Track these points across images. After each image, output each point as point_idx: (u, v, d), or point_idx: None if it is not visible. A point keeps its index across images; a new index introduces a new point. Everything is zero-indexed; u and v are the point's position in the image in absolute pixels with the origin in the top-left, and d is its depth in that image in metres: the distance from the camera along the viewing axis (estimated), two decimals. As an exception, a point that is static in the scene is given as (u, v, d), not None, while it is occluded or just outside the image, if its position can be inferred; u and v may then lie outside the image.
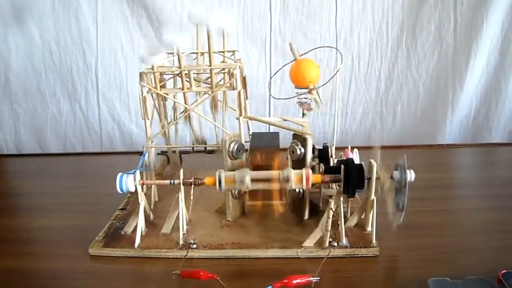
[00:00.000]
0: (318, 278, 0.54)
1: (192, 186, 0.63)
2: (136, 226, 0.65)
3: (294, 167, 0.61)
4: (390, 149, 1.17)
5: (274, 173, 0.61)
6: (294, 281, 0.53)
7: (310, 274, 0.54)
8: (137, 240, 0.64)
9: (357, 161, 0.73)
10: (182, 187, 0.64)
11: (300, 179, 0.61)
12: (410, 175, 0.62)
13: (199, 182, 0.63)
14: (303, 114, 0.74)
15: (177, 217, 0.65)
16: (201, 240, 0.64)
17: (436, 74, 1.16)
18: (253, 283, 0.56)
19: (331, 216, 0.60)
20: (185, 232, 0.66)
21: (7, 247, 0.67)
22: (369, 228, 0.64)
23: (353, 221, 0.66)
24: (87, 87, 1.20)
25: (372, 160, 0.62)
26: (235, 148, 0.65)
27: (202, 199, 0.74)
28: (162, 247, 0.63)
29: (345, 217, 0.67)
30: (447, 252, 0.62)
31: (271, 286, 0.52)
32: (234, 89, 0.68)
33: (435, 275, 0.54)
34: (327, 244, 0.61)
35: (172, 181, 0.64)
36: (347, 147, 0.76)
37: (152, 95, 0.72)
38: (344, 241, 0.62)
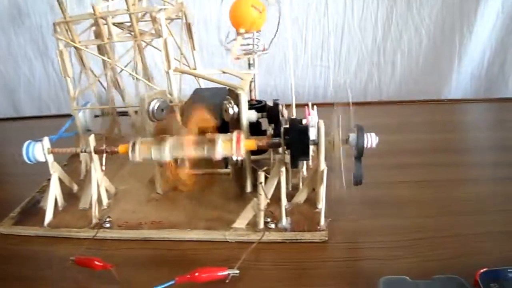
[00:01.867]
0: (238, 272, 0.43)
1: (104, 155, 0.54)
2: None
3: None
4: (388, 105, 1.05)
5: (196, 139, 0.50)
6: (204, 275, 0.43)
7: (225, 267, 0.43)
8: (47, 218, 0.55)
9: (314, 121, 0.61)
10: (94, 156, 0.54)
11: (230, 146, 0.49)
12: (370, 140, 0.49)
13: (112, 150, 0.53)
14: (249, 65, 0.61)
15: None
16: (119, 217, 0.54)
17: (441, 18, 0.98)
18: (162, 274, 0.45)
19: (262, 192, 0.48)
20: (106, 207, 0.57)
21: None
22: (320, 206, 0.53)
23: (301, 196, 0.54)
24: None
25: (320, 121, 0.50)
26: (156, 108, 0.54)
27: (141, 166, 0.64)
28: (74, 225, 0.54)
29: (293, 190, 0.56)
30: (422, 238, 0.49)
31: (173, 281, 0.42)
32: (160, 37, 0.56)
33: (397, 270, 0.42)
34: (261, 225, 0.50)
35: (83, 149, 0.54)
36: (307, 104, 0.63)
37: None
38: (284, 222, 0.50)
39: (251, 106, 0.61)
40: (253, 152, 0.58)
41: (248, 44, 0.59)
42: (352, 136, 0.49)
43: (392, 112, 0.97)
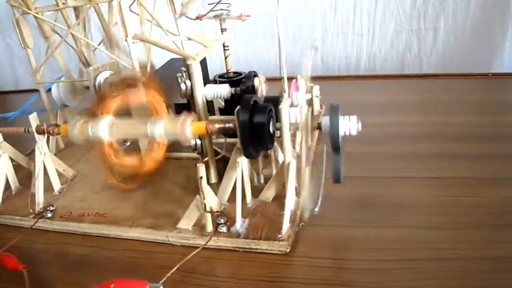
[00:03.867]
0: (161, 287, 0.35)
1: (46, 135, 0.47)
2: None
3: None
4: (428, 78, 0.89)
5: (138, 123, 0.41)
6: (118, 288, 0.35)
7: (147, 281, 0.35)
8: (-6, 203, 0.50)
9: (302, 99, 0.50)
10: (36, 136, 0.48)
11: (175, 130, 0.40)
12: (348, 126, 0.38)
13: (53, 131, 0.46)
14: (221, 30, 0.50)
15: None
16: (65, 206, 0.48)
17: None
18: (85, 279, 0.39)
19: (201, 191, 0.39)
20: (57, 193, 0.51)
21: None
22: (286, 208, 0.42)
23: (269, 193, 0.45)
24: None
25: (285, 94, 0.39)
26: (102, 82, 0.46)
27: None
28: (19, 212, 0.49)
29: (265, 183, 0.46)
30: (424, 259, 0.36)
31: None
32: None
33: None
34: (209, 229, 0.41)
35: (26, 129, 0.48)
36: (296, 78, 0.52)
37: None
38: (239, 225, 0.41)
39: (225, 80, 0.51)
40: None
41: (216, 4, 0.49)
42: (325, 121, 0.38)
43: (434, 86, 0.82)
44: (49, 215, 0.47)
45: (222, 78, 0.52)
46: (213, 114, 0.52)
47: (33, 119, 0.47)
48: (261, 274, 0.37)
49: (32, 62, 0.56)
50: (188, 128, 0.40)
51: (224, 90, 0.49)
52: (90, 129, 0.42)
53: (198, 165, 0.38)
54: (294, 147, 0.45)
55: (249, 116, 0.38)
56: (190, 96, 0.44)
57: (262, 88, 0.49)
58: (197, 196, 0.40)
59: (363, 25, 0.95)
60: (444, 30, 0.88)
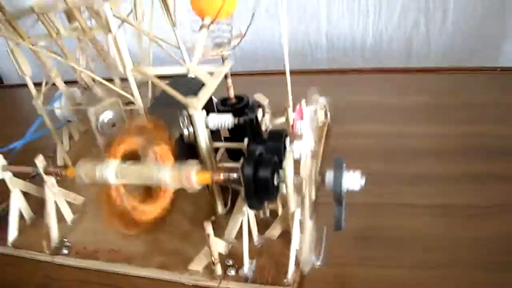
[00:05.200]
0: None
1: (53, 176, 0.48)
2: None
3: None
4: (438, 73, 0.81)
5: (144, 170, 0.42)
6: None
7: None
8: (11, 236, 0.52)
9: (305, 129, 0.50)
10: (44, 177, 0.49)
11: (180, 180, 0.41)
12: (352, 182, 0.38)
13: (60, 173, 0.47)
14: (223, 60, 0.49)
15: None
16: (78, 241, 0.50)
17: None
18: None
19: (210, 246, 0.40)
20: (70, 224, 0.53)
21: None
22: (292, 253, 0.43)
23: (275, 232, 0.46)
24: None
25: (288, 146, 0.40)
26: (106, 122, 0.46)
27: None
28: (36, 246, 0.50)
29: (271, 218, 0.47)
30: None
31: None
32: (109, 32, 0.46)
33: None
34: (219, 272, 0.43)
35: (34, 171, 0.49)
36: (300, 104, 0.51)
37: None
38: (247, 268, 0.43)
39: (228, 109, 0.51)
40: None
41: (217, 37, 0.47)
42: (328, 177, 0.38)
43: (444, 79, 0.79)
44: (65, 251, 0.49)
45: (224, 106, 0.51)
46: (220, 140, 0.52)
47: (40, 162, 0.47)
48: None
49: (31, 89, 0.56)
50: (194, 179, 0.40)
51: (227, 120, 0.48)
52: (97, 172, 0.43)
53: (205, 223, 0.39)
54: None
55: (254, 171, 0.38)
56: (194, 140, 0.44)
57: (265, 121, 0.49)
58: (206, 248, 0.42)
59: (368, 2, 0.91)
60: (453, 9, 0.83)
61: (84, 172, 0.43)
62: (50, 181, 0.49)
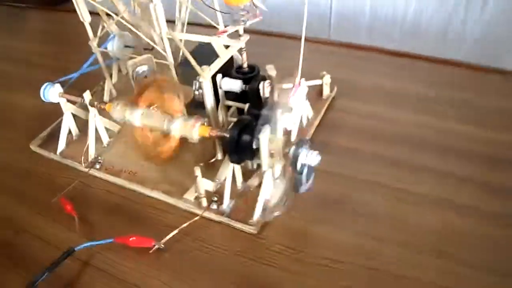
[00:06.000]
0: (163, 246, 0.52)
1: (96, 109, 0.61)
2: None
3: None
4: (468, 70, 0.75)
5: (158, 118, 0.54)
6: (133, 244, 0.52)
7: (154, 239, 0.52)
8: (60, 147, 0.67)
9: (297, 101, 0.59)
10: (89, 109, 0.62)
11: (187, 130, 0.53)
12: (310, 160, 0.48)
13: (101, 106, 0.60)
14: (239, 36, 0.58)
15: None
16: (109, 160, 0.64)
17: None
18: (118, 223, 0.56)
19: (197, 186, 0.53)
20: (106, 145, 0.67)
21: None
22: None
23: (254, 181, 0.57)
24: None
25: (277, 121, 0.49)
26: (139, 72, 0.58)
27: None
28: (78, 158, 0.65)
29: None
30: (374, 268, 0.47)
31: (111, 240, 0.52)
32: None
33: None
34: (204, 204, 0.55)
35: (82, 100, 0.62)
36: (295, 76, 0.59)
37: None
38: (226, 205, 0.55)
39: (240, 76, 0.60)
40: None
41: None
42: (290, 151, 0.48)
43: (464, 79, 0.75)
44: (98, 166, 0.63)
45: (238, 73, 0.61)
46: (233, 99, 0.62)
47: (87, 96, 0.61)
48: (231, 244, 0.52)
49: (89, 33, 0.68)
50: (196, 131, 0.52)
51: (236, 85, 0.59)
52: (126, 114, 0.56)
53: (194, 168, 0.51)
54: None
55: (238, 134, 0.49)
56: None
57: (265, 91, 0.58)
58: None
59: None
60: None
61: (116, 113, 0.56)
62: (93, 111, 0.62)
